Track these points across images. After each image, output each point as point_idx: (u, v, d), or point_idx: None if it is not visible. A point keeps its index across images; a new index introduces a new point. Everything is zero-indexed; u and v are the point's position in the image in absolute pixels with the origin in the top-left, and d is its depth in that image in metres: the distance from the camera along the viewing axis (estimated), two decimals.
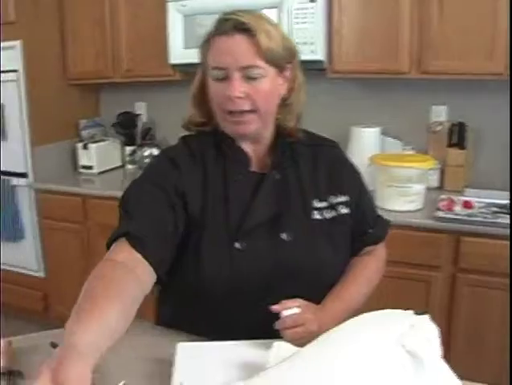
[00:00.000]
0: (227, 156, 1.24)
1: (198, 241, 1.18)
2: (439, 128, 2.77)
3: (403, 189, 2.36)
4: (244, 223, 1.18)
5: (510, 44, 2.24)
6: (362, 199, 1.34)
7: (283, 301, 1.09)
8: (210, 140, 1.27)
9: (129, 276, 1.01)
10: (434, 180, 2.73)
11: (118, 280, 0.98)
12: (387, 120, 2.88)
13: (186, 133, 1.34)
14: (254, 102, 1.16)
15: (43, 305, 3.41)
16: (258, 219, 1.20)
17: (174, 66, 2.95)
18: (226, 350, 1.09)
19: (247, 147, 1.26)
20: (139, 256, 1.06)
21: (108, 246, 1.10)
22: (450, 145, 2.71)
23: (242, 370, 0.97)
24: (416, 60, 2.48)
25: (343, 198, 1.27)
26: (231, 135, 1.23)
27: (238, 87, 1.13)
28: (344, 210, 1.27)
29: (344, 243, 1.30)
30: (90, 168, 3.37)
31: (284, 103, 1.25)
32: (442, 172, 2.76)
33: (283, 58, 1.18)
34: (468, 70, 2.37)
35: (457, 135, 2.70)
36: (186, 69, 2.96)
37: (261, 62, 1.14)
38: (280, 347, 0.94)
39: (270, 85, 1.17)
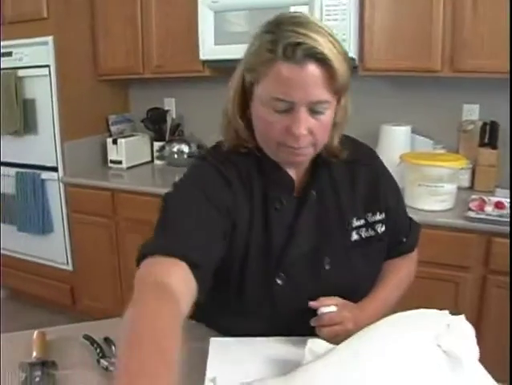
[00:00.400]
0: (270, 180, 1.15)
1: (240, 275, 1.11)
2: (470, 127, 2.73)
3: (433, 188, 2.33)
4: (285, 256, 1.12)
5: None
6: (398, 210, 1.30)
7: (321, 299, 1.08)
8: (252, 160, 1.15)
9: (176, 315, 0.84)
10: (465, 179, 2.69)
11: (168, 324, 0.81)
12: (417, 119, 2.85)
13: (219, 138, 1.21)
14: (315, 136, 1.05)
15: (71, 298, 3.45)
16: (300, 250, 1.14)
17: (204, 62, 2.96)
18: (259, 346, 1.09)
19: (290, 170, 1.17)
20: (193, 282, 0.95)
21: (143, 253, 0.96)
22: (482, 144, 2.67)
23: (275, 366, 0.97)
24: (448, 58, 2.44)
25: (380, 216, 1.22)
26: (277, 160, 1.14)
27: (304, 124, 1.01)
28: (381, 228, 1.23)
29: (379, 258, 1.28)
30: (119, 162, 3.40)
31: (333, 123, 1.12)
32: (473, 172, 2.72)
33: (348, 86, 1.05)
34: (500, 68, 2.32)
35: (489, 135, 2.65)
36: (216, 65, 2.98)
37: (330, 95, 1.01)
38: (314, 344, 0.93)
39: (331, 115, 1.06)
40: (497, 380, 0.97)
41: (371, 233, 1.21)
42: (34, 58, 3.12)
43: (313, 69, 0.97)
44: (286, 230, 1.13)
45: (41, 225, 3.37)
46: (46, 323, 1.36)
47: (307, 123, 1.01)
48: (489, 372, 0.99)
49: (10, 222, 3.49)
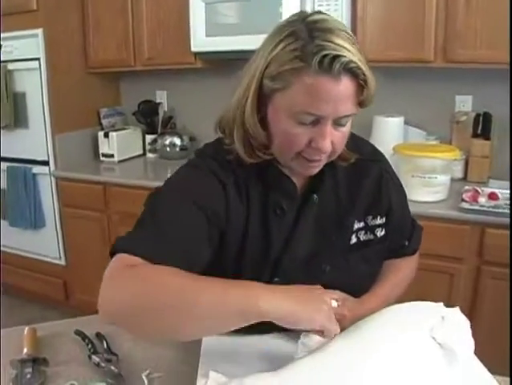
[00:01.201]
0: (271, 184, 1.10)
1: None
2: (463, 118, 2.72)
3: (427, 180, 2.32)
4: (282, 261, 1.10)
5: None
6: (402, 213, 1.26)
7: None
8: (252, 164, 1.08)
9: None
10: (458, 170, 2.68)
11: None
12: (410, 110, 2.84)
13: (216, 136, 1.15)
14: (335, 147, 1.00)
15: (64, 292, 3.43)
16: (297, 256, 1.12)
17: (195, 54, 2.94)
18: (251, 341, 1.08)
19: (293, 175, 1.11)
20: None
21: (121, 248, 0.94)
22: (475, 135, 2.66)
23: (268, 361, 0.96)
24: (441, 49, 2.43)
25: (380, 221, 1.19)
26: (288, 168, 1.09)
27: (330, 138, 0.96)
28: (381, 233, 1.19)
29: (378, 260, 1.26)
30: (111, 156, 3.37)
31: None
32: (466, 163, 2.71)
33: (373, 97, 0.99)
34: (494, 59, 2.31)
35: (482, 126, 2.65)
36: (207, 57, 2.97)
37: (356, 108, 0.97)
38: (307, 339, 0.92)
39: (350, 125, 1.02)
40: (492, 372, 0.97)
41: (370, 236, 1.19)
42: (24, 51, 3.09)
43: (348, 83, 0.91)
44: (284, 235, 1.11)
45: (33, 220, 3.34)
46: (39, 318, 1.36)
47: (331, 136, 0.97)
48: (484, 364, 0.99)
49: (2, 217, 3.47)
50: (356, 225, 1.16)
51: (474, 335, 0.92)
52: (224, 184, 1.06)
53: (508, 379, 1.02)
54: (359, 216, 1.17)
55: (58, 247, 3.38)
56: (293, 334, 1.02)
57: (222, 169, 1.07)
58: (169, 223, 0.98)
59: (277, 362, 0.90)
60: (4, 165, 3.36)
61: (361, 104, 0.97)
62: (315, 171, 1.07)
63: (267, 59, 0.96)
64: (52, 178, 3.26)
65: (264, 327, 0.90)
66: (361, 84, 0.93)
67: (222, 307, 0.83)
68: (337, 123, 0.96)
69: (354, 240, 1.17)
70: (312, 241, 1.13)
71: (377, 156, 1.25)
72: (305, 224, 1.12)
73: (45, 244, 3.42)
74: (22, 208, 3.34)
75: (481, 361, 0.99)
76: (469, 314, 2.25)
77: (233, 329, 0.86)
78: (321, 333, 0.88)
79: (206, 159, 1.10)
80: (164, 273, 0.87)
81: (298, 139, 0.97)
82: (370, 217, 1.18)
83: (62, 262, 3.41)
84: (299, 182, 1.13)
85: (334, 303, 1.01)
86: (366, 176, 1.18)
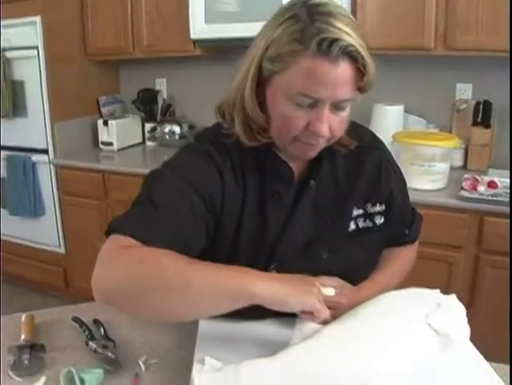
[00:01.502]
0: (268, 169, 1.09)
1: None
2: (464, 107, 2.71)
3: (426, 168, 2.32)
4: (278, 249, 1.09)
5: None
6: (402, 202, 1.25)
7: (322, 278, 1.03)
8: (250, 149, 1.07)
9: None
10: (458, 159, 2.68)
11: None
12: (410, 98, 2.83)
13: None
14: (333, 132, 0.99)
15: (64, 280, 3.44)
16: (294, 243, 1.11)
17: (195, 41, 2.92)
18: (248, 327, 1.08)
19: (292, 160, 1.11)
20: None
21: (117, 229, 0.94)
22: (475, 124, 2.65)
23: (264, 347, 0.95)
24: (441, 36, 2.41)
25: (380, 208, 1.18)
26: (286, 152, 1.09)
27: (327, 122, 0.96)
28: (380, 220, 1.18)
29: (377, 248, 1.24)
30: (110, 144, 3.36)
31: None
32: (466, 152, 2.71)
33: (374, 83, 0.98)
34: (495, 46, 2.30)
35: (482, 114, 2.64)
36: (207, 44, 2.95)
37: (355, 93, 0.96)
38: (303, 325, 0.92)
39: (349, 110, 1.01)
40: (491, 360, 0.97)
41: (369, 224, 1.18)
42: (22, 38, 3.06)
43: (346, 67, 0.90)
44: (281, 221, 1.10)
45: (32, 208, 3.34)
46: (39, 306, 1.36)
47: (329, 120, 0.96)
48: (483, 352, 0.99)
49: (2, 206, 3.46)
50: (355, 212, 1.16)
51: (472, 323, 0.92)
52: (221, 169, 1.05)
53: (507, 367, 1.02)
54: (358, 203, 1.16)
55: (58, 235, 3.38)
56: (289, 320, 1.02)
57: (220, 154, 1.07)
58: (165, 206, 0.97)
59: (272, 348, 0.90)
60: (3, 154, 3.35)
61: (361, 90, 0.97)
62: (313, 154, 1.06)
63: (267, 42, 0.96)
64: (51, 166, 3.25)
65: (260, 313, 0.91)
66: (360, 69, 0.92)
67: (215, 290, 0.84)
68: (335, 107, 0.96)
69: (352, 227, 1.16)
70: (310, 227, 1.12)
71: (377, 144, 1.24)
72: (302, 210, 1.11)
73: (45, 232, 3.42)
74: (21, 196, 3.33)
75: (480, 348, 0.99)
76: (468, 302, 2.26)
77: (225, 311, 0.87)
78: (311, 315, 0.88)
79: (205, 143, 1.10)
80: (160, 255, 0.87)
81: (296, 122, 0.97)
82: (369, 204, 1.17)
83: (62, 250, 3.41)
84: (297, 168, 1.12)
85: (331, 291, 1.01)
86: (366, 162, 1.17)
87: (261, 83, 1.00)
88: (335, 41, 0.88)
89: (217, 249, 1.08)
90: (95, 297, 0.90)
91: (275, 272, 1.04)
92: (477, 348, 0.99)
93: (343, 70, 0.90)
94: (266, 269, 1.06)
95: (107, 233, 0.94)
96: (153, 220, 0.95)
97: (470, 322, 0.92)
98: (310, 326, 0.91)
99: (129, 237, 0.91)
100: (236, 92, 1.04)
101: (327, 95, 0.92)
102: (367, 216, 1.17)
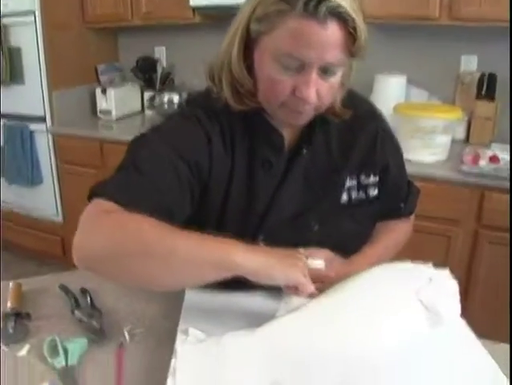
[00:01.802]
0: (258, 138, 1.06)
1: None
2: (468, 79, 2.66)
3: (427, 140, 2.28)
4: (267, 219, 1.06)
5: None
6: (398, 174, 1.23)
7: (311, 250, 1.00)
8: (239, 115, 1.04)
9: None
10: (460, 132, 2.64)
11: None
12: (413, 69, 2.77)
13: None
14: (321, 99, 0.95)
15: (61, 249, 3.45)
16: (283, 214, 1.08)
17: (194, 8, 2.87)
18: (234, 299, 1.06)
19: (283, 128, 1.07)
20: None
21: (95, 191, 0.93)
22: (479, 97, 2.60)
23: (249, 319, 0.93)
24: (446, 5, 2.34)
25: (374, 179, 1.15)
26: (275, 118, 1.05)
27: (314, 86, 0.91)
28: (373, 192, 1.15)
29: (370, 221, 1.22)
30: (108, 112, 3.33)
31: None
32: (469, 125, 2.66)
33: (366, 48, 0.93)
34: (501, 16, 2.23)
35: (486, 87, 2.59)
36: (206, 12, 2.90)
37: (346, 57, 0.91)
38: (290, 298, 0.90)
39: (340, 77, 0.96)
40: (486, 337, 0.95)
41: (362, 195, 1.15)
42: (19, 4, 3.00)
43: (335, 28, 0.86)
44: (271, 190, 1.07)
45: (30, 177, 3.32)
46: (35, 274, 1.34)
47: (317, 85, 0.92)
48: (479, 329, 0.97)
49: (1, 175, 3.45)
50: (348, 183, 1.13)
51: (469, 299, 0.90)
52: (209, 135, 1.02)
53: (507, 346, 0.99)
54: (351, 174, 1.13)
55: (56, 204, 3.37)
56: (276, 294, 1.00)
57: (208, 119, 1.04)
58: (150, 172, 0.95)
59: (258, 321, 0.89)
60: (1, 122, 3.32)
61: (352, 55, 0.93)
62: (301, 122, 1.03)
63: (254, 3, 0.92)
64: (49, 135, 3.22)
65: (248, 286, 0.89)
66: (351, 33, 0.88)
67: (197, 259, 0.82)
68: (324, 71, 0.91)
69: (345, 198, 1.13)
70: (300, 197, 1.09)
71: (374, 114, 1.21)
72: (293, 179, 1.08)
73: (42, 201, 3.41)
74: (19, 165, 3.31)
75: (474, 325, 0.97)
76: (465, 278, 2.25)
77: (209, 281, 0.85)
78: (296, 290, 0.86)
79: (194, 107, 1.07)
80: (142, 222, 0.85)
81: (283, 86, 0.93)
82: (363, 175, 1.14)
83: (60, 219, 3.41)
84: (289, 136, 1.09)
85: (321, 263, 0.98)
86: (361, 133, 1.14)
87: (249, 45, 0.97)
88: (322, 1, 0.84)
89: (204, 217, 1.06)
90: (76, 263, 0.88)
91: (264, 245, 1.01)
92: (475, 325, 0.97)
93: (332, 31, 0.86)
94: (254, 240, 1.04)
95: (89, 198, 0.92)
96: (137, 186, 0.93)
97: (467, 297, 0.90)
98: (298, 299, 0.88)
99: (112, 201, 0.89)
100: (224, 55, 1.01)
101: (314, 56, 0.88)
102: (361, 187, 1.14)
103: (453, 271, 0.90)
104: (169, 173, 0.96)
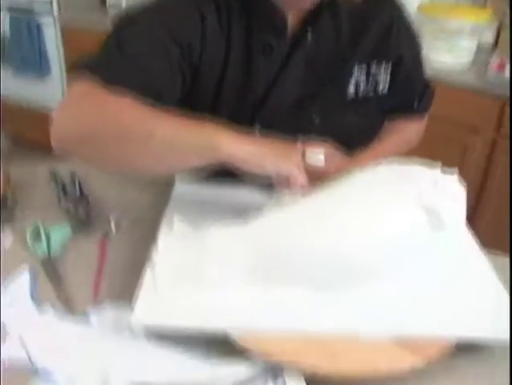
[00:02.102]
0: (257, 15, 0.96)
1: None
2: None
3: (451, 43, 2.13)
4: (264, 105, 1.00)
5: None
6: (413, 70, 1.14)
7: (312, 142, 0.92)
8: None
9: None
10: (488, 37, 2.47)
11: None
12: None
13: None
14: None
15: None
16: (284, 99, 1.01)
17: None
18: (224, 192, 1.02)
19: (286, 8, 0.96)
20: None
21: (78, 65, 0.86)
22: None
23: (239, 214, 0.88)
24: None
25: (386, 66, 1.05)
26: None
27: None
28: (383, 87, 1.06)
29: (377, 117, 1.14)
30: (119, 5, 3.15)
31: None
32: (499, 30, 2.49)
33: None
34: None
35: None
36: None
37: None
38: (282, 194, 0.84)
39: None
40: (491, 247, 0.90)
41: (371, 89, 1.06)
42: None
43: None
44: (271, 76, 0.99)
45: (38, 67, 3.23)
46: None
47: None
48: (484, 237, 0.92)
49: (9, 65, 3.34)
50: (357, 73, 1.03)
51: (480, 209, 0.84)
52: (203, 13, 0.92)
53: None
54: (361, 62, 1.03)
55: (63, 96, 3.28)
56: (268, 190, 0.94)
57: None
58: (138, 51, 0.87)
59: (245, 213, 0.84)
60: (5, 10, 3.17)
61: None
62: (307, 5, 0.93)
63: None
64: (57, 26, 3.09)
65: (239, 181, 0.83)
66: None
67: (177, 143, 0.77)
68: None
69: (352, 90, 1.04)
70: (302, 85, 1.01)
71: (393, 2, 1.09)
72: (295, 65, 0.99)
73: (50, 92, 3.33)
74: (27, 55, 3.21)
75: (483, 236, 0.91)
76: (480, 187, 2.18)
77: (193, 166, 0.81)
78: (288, 183, 0.80)
79: None
80: (124, 104, 0.79)
81: None
82: (374, 64, 1.04)
83: None
84: (293, 19, 0.98)
85: (320, 159, 0.91)
86: (375, 19, 1.03)
87: None
88: None
89: (197, 99, 0.99)
90: (53, 144, 0.83)
91: (260, 135, 0.93)
92: (483, 239, 0.91)
93: None
94: (250, 127, 0.97)
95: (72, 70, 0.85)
96: (124, 65, 0.86)
97: (480, 207, 0.83)
98: (289, 197, 0.82)
99: (97, 76, 0.81)
100: None
101: None
102: (371, 78, 1.05)
103: (467, 180, 0.83)
104: (158, 54, 0.88)
